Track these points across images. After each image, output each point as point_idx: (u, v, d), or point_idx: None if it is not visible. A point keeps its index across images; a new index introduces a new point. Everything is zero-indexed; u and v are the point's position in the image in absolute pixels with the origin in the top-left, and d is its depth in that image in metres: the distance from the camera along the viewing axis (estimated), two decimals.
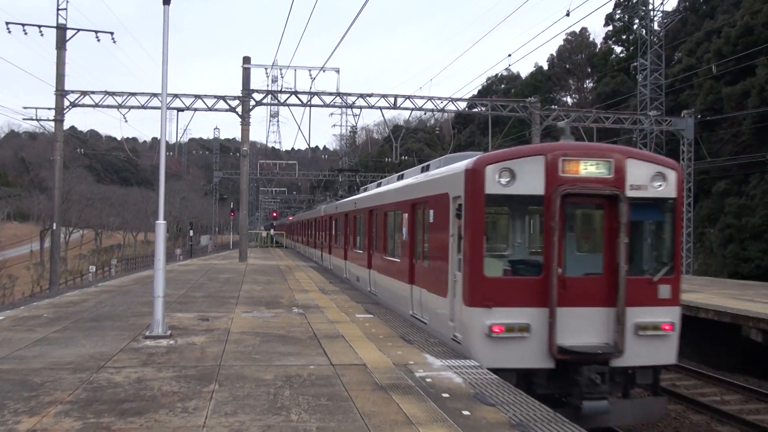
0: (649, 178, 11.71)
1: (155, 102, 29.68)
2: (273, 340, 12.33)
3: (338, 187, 65.18)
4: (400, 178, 17.47)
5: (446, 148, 63.02)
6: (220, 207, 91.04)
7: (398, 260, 15.04)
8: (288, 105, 31.52)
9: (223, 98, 31.01)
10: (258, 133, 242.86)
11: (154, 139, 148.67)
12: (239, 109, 30.86)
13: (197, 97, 30.91)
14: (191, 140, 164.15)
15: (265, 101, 31.61)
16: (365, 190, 22.44)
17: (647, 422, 12.86)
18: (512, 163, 11.23)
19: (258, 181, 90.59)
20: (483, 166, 11.31)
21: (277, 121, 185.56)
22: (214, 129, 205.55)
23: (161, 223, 12.69)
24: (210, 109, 30.81)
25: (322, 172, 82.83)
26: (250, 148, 32.92)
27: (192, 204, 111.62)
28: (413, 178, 15.01)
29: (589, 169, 11.41)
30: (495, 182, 11.18)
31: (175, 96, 30.31)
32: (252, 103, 30.85)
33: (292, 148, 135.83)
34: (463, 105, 34.55)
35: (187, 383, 9.31)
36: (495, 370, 10.40)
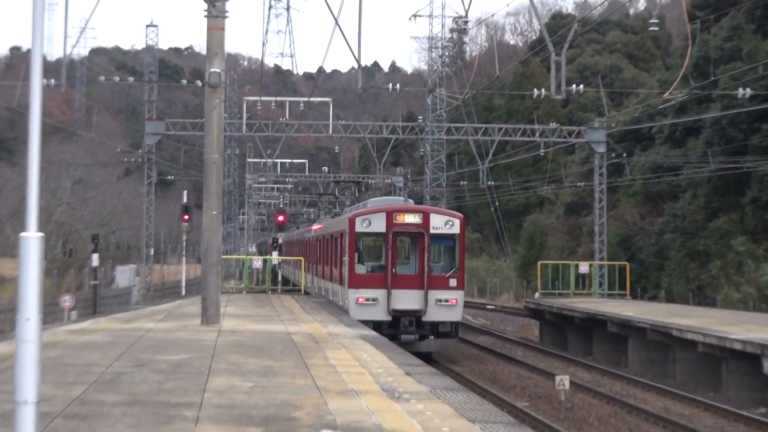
0: (443, 223, 24.29)
1: None
2: None
3: (424, 152, 51.84)
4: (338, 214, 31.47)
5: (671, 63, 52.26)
6: (160, 202, 49.08)
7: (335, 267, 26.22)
8: None
9: None
10: (248, 38, 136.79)
11: (15, 50, 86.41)
12: None
13: None
14: (97, 52, 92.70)
15: None
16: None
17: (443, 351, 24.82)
18: (369, 216, 24.42)
19: (246, 144, 65.76)
20: (354, 217, 24.52)
21: (288, 11, 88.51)
22: (148, 27, 76.40)
23: (32, 238, 6.09)
24: None
25: (387, 123, 47.39)
26: (230, 66, 22.49)
27: (99, 195, 61.67)
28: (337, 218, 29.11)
29: (408, 218, 24.08)
30: (361, 226, 24.15)
31: None
32: None
33: (320, 70, 62.49)
34: None
35: None
36: (362, 321, 21.29)
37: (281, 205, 52.47)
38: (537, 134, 39.52)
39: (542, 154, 45.79)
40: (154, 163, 40.22)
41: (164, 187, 65.51)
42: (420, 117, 56.27)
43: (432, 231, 24.56)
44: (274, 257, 37.02)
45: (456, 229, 24.93)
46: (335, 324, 19.37)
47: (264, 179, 64.91)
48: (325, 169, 72.70)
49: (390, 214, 24.67)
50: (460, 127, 43.23)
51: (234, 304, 25.59)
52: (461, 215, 25.48)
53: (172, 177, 63.18)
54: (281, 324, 18.89)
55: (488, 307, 46.51)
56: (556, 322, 31.18)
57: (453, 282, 24.75)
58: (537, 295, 35.26)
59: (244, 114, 41.08)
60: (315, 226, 32.92)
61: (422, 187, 60.69)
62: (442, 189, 59.05)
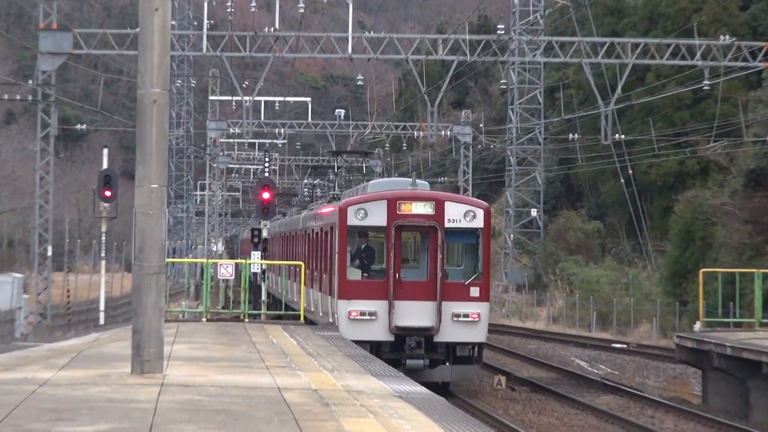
0: (462, 214, 22.87)
1: None
2: None
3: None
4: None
5: None
6: (64, 168, 44.36)
7: None
8: None
9: None
10: None
11: None
12: None
13: None
14: None
15: None
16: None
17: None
18: (365, 205, 23.54)
19: (209, 72, 61.25)
20: (345, 207, 23.62)
21: None
22: None
23: None
24: None
25: (445, 35, 38.63)
26: None
27: None
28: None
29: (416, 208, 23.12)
30: (355, 218, 23.19)
31: None
32: None
33: None
34: None
35: None
36: (356, 342, 20.93)
37: (266, 174, 39.24)
38: (698, 54, 31.81)
39: (707, 88, 35.76)
40: (53, 103, 30.24)
41: (71, 144, 59.84)
42: (500, 27, 46.18)
43: (448, 224, 23.05)
44: (255, 261, 30.68)
45: (479, 222, 23.34)
46: (356, 374, 15.33)
47: (238, 130, 52.66)
48: (340, 113, 60.34)
49: (393, 203, 23.30)
50: (568, 43, 34.35)
51: (187, 340, 21.22)
52: (485, 204, 24.58)
53: (84, 127, 48.08)
54: (267, 373, 15.28)
55: (616, 345, 38.75)
56: (732, 372, 23.94)
57: (475, 291, 23.14)
58: (698, 326, 27.53)
59: (206, 21, 31.82)
60: (326, 209, 28.87)
61: (503, 142, 50.19)
62: (537, 147, 46.83)
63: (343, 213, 23.39)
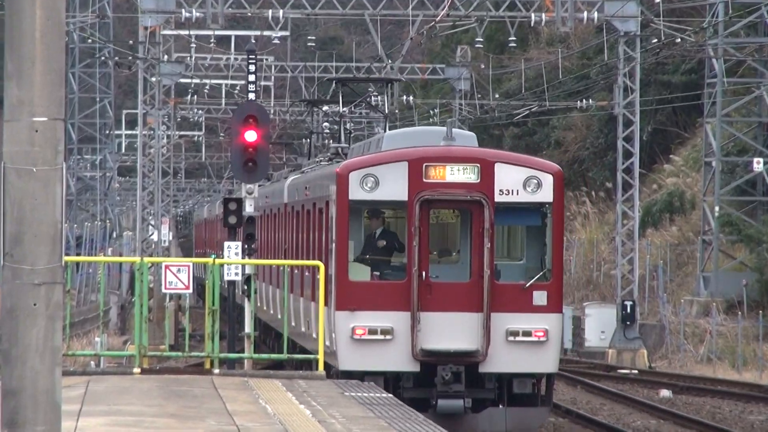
0: (522, 182, 26.72)
1: None
2: None
3: None
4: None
5: None
6: None
7: None
8: None
9: None
10: None
11: None
12: None
13: None
14: None
15: None
16: None
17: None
18: (375, 170, 27.78)
19: None
20: (346, 172, 27.67)
21: None
22: None
23: None
24: None
25: None
26: None
27: None
28: None
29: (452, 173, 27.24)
30: (360, 188, 27.26)
31: None
32: None
33: None
34: None
35: None
36: (364, 374, 26.54)
37: (251, 96, 39.18)
38: None
39: None
40: None
41: None
42: None
43: (500, 198, 26.59)
44: (232, 260, 32.38)
45: (546, 194, 26.85)
46: None
47: (198, 13, 54.04)
48: None
49: (416, 166, 26.77)
50: None
51: (106, 410, 21.58)
52: (555, 166, 28.28)
53: None
54: None
55: None
56: None
57: (540, 297, 26.50)
58: None
59: None
60: (321, 173, 34.30)
61: (699, 33, 58.81)
62: (765, 42, 49.66)
63: (342, 181, 26.65)
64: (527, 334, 25.93)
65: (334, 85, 51.68)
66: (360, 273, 26.96)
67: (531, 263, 27.13)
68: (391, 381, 25.66)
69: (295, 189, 37.38)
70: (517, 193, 26.17)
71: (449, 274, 26.76)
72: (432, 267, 26.48)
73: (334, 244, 26.95)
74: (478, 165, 26.42)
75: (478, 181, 26.19)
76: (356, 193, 26.62)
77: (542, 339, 25.97)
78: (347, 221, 26.84)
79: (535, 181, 26.30)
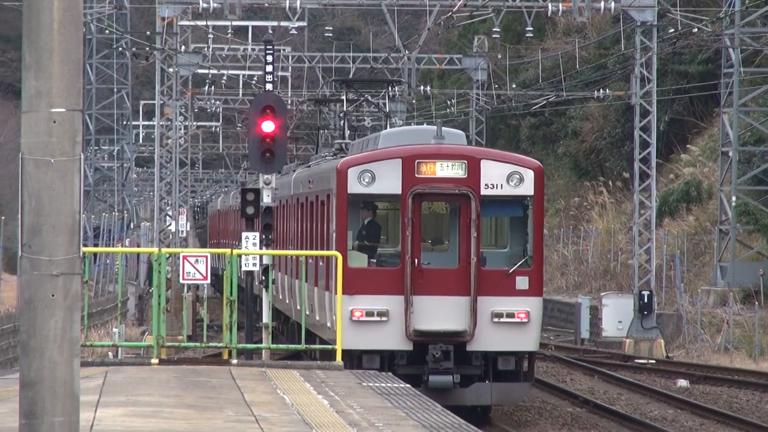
0: (505, 177, 30.66)
1: None
2: None
3: None
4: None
5: None
6: None
7: None
8: None
9: None
10: None
11: None
12: None
13: None
14: None
15: None
16: None
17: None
18: (371, 166, 32.07)
19: None
20: (345, 168, 31.50)
21: None
22: None
23: None
24: None
25: None
26: None
27: None
28: None
29: (442, 169, 31.21)
30: (358, 183, 31.32)
31: None
32: None
33: None
34: None
35: None
36: (361, 353, 30.43)
37: (269, 87, 39.15)
38: None
39: None
40: None
41: None
42: None
43: (485, 192, 30.15)
44: (249, 250, 32.27)
45: (528, 188, 30.48)
46: None
47: (215, 4, 53.75)
48: None
49: (409, 162, 30.40)
50: None
51: (124, 401, 21.53)
52: (536, 162, 31.98)
53: None
54: None
55: None
56: None
57: (522, 282, 30.08)
58: None
59: None
60: (323, 168, 38.26)
61: (716, 22, 58.25)
62: None
63: (342, 176, 30.58)
64: (510, 315, 29.81)
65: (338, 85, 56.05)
66: (358, 260, 30.54)
67: (514, 251, 30.99)
68: (386, 359, 29.19)
69: (300, 182, 40.45)
70: (501, 187, 30.05)
71: (439, 261, 30.64)
72: (424, 254, 30.29)
73: (334, 234, 30.63)
74: (466, 161, 30.30)
75: (466, 176, 30.05)
76: (354, 187, 30.48)
77: (524, 320, 29.90)
78: (346, 213, 30.64)
79: (518, 176, 30.16)
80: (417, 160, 30.12)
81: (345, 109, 46.15)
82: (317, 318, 34.15)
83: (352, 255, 30.44)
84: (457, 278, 29.78)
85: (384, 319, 29.57)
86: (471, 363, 29.87)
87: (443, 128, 34.28)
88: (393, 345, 29.06)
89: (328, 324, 31.48)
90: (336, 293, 28.26)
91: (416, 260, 29.83)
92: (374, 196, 31.13)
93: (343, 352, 29.22)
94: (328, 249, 31.56)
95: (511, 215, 31.08)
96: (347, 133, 44.42)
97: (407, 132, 35.95)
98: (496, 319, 29.61)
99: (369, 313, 29.49)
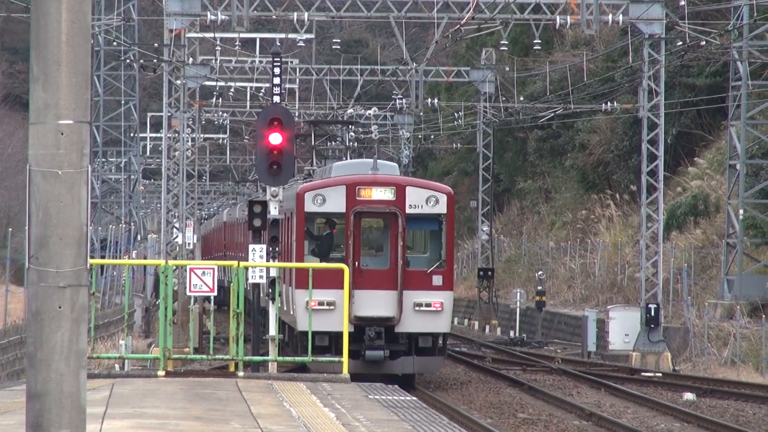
0: (424, 199, 41.71)
1: None
2: None
3: None
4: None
5: None
6: None
7: None
8: None
9: None
10: None
11: None
12: None
13: None
14: None
15: None
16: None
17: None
18: (323, 191, 43.51)
19: None
20: (303, 192, 42.67)
21: None
22: None
23: None
24: None
25: None
26: None
27: None
28: None
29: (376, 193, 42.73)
30: (313, 204, 42.82)
31: None
32: None
33: None
34: None
35: None
36: (314, 334, 35.23)
37: (276, 98, 39.48)
38: None
39: None
40: None
41: None
42: None
43: (409, 210, 39.54)
44: (256, 263, 33.08)
45: (442, 208, 40.21)
46: None
47: (224, 16, 53.86)
48: None
49: (351, 188, 39.58)
50: None
51: (131, 413, 21.62)
52: (449, 188, 42.75)
53: None
54: None
55: None
56: None
57: (437, 280, 39.54)
58: None
59: None
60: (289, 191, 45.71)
61: (724, 35, 58.32)
62: None
63: (300, 199, 39.88)
64: (428, 305, 39.46)
65: (307, 126, 66.63)
66: (312, 263, 39.15)
67: (432, 256, 41.17)
68: (333, 338, 37.07)
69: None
70: (422, 207, 39.85)
71: (375, 263, 40.59)
72: (363, 258, 40.11)
73: (294, 243, 39.92)
74: (395, 187, 40.11)
75: (395, 198, 39.84)
76: (310, 207, 40.29)
77: (439, 309, 39.78)
78: (303, 227, 40.40)
79: (434, 199, 40.11)
80: (357, 186, 39.74)
81: (314, 143, 58.51)
82: (284, 308, 42.16)
83: (308, 259, 39.73)
84: (388, 276, 39.57)
85: (332, 307, 38.21)
86: (398, 341, 39.62)
87: (379, 161, 44.67)
88: (339, 327, 32.85)
89: (291, 312, 40.81)
90: (293, 287, 39.95)
91: (357, 263, 39.14)
92: (325, 214, 40.97)
93: (301, 333, 39.74)
94: (290, 254, 41.06)
95: (429, 228, 41.25)
96: (314, 160, 56.64)
97: (352, 164, 45.66)
98: (417, 308, 39.40)
99: (321, 303, 37.79)
